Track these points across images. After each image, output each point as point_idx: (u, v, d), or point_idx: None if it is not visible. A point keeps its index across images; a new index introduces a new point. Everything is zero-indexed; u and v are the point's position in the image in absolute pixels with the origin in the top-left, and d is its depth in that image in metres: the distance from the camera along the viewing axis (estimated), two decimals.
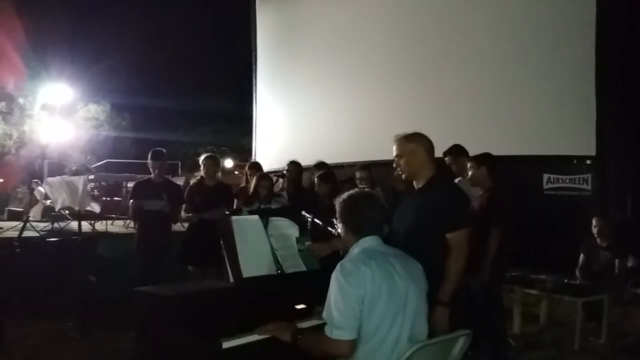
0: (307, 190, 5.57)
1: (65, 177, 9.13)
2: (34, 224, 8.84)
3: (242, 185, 5.77)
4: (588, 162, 6.51)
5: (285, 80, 10.33)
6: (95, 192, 11.28)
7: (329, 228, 3.58)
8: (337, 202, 2.40)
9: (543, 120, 6.78)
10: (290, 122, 10.02)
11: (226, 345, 2.25)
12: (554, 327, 5.27)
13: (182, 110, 23.11)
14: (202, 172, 5.33)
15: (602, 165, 6.50)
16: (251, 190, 5.12)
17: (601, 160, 6.45)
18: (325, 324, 2.14)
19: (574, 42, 6.59)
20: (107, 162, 17.31)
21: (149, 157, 5.29)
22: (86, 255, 5.62)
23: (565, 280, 4.92)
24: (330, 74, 9.18)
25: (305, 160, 5.93)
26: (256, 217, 2.95)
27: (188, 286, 2.99)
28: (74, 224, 8.71)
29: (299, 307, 2.63)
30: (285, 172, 5.71)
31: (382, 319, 2.09)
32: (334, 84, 9.09)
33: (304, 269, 2.88)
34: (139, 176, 8.09)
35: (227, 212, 5.03)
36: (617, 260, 5.25)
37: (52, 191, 9.04)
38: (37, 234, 7.80)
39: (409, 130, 2.86)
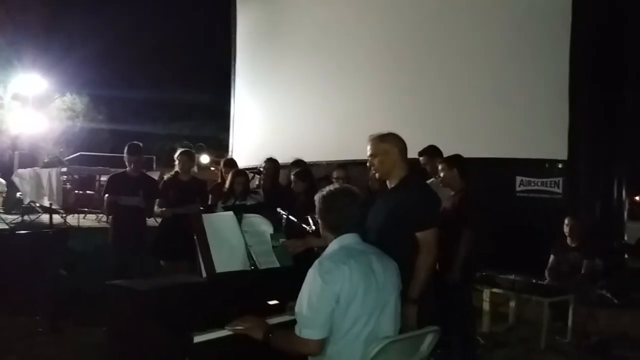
0: (283, 187, 5.57)
1: (37, 169, 8.98)
2: (3, 216, 8.65)
3: (217, 182, 5.75)
4: (559, 165, 6.69)
5: (264, 78, 10.31)
6: (68, 185, 11.09)
7: (304, 225, 3.60)
8: (317, 198, 2.38)
9: (517, 124, 6.92)
10: (268, 119, 10.00)
11: (198, 339, 2.25)
12: (522, 326, 5.38)
13: (159, 104, 22.91)
14: (176, 167, 5.29)
15: (573, 169, 6.68)
16: (227, 186, 5.10)
17: (572, 164, 6.62)
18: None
19: (549, 48, 6.74)
20: (80, 154, 17.02)
21: (125, 151, 5.22)
22: (57, 249, 5.53)
23: (534, 281, 5.02)
24: (309, 72, 9.20)
25: (283, 158, 5.93)
26: (230, 213, 2.95)
27: (161, 280, 2.98)
28: (45, 217, 8.56)
29: (271, 302, 2.65)
30: (261, 169, 5.70)
31: (357, 318, 2.10)
32: (313, 82, 9.11)
33: (278, 265, 2.89)
34: (112, 170, 7.97)
35: (201, 208, 5.01)
36: (584, 261, 5.39)
37: (22, 183, 8.89)
38: (7, 227, 7.64)
39: (385, 130, 2.90)
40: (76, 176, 11.75)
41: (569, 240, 5.56)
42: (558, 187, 6.70)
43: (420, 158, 4.70)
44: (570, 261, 5.50)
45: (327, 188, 2.40)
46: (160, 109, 23.64)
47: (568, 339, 5.01)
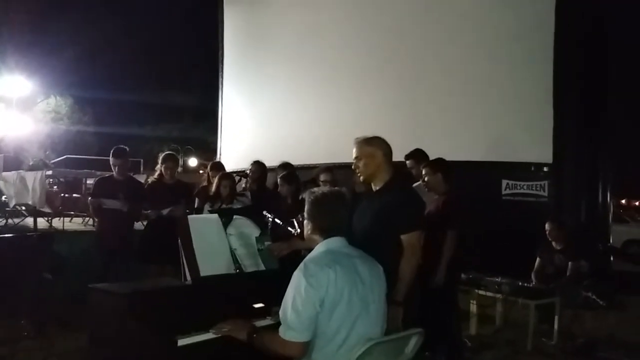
0: (270, 190, 5.56)
1: (21, 172, 8.87)
2: None
3: (203, 185, 5.73)
4: (545, 169, 6.75)
5: (252, 80, 10.29)
6: (54, 188, 10.97)
7: (289, 228, 3.59)
8: (307, 200, 2.38)
9: (503, 127, 6.98)
10: (256, 122, 9.99)
11: (182, 342, 2.24)
12: (508, 328, 5.41)
13: (146, 106, 22.74)
14: (160, 169, 5.26)
15: (559, 172, 6.74)
16: (213, 190, 5.09)
17: (557, 167, 6.69)
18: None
19: (533, 51, 6.81)
20: (66, 157, 16.84)
21: (111, 154, 5.19)
22: (42, 253, 5.46)
23: (520, 283, 5.05)
24: (296, 75, 9.20)
25: (271, 161, 5.93)
26: (215, 216, 2.94)
27: (144, 283, 2.96)
28: (29, 220, 8.45)
29: (256, 306, 2.64)
30: (248, 172, 5.69)
31: (342, 323, 2.10)
32: (300, 85, 9.12)
33: (263, 268, 2.89)
34: (99, 173, 7.90)
35: (187, 211, 4.99)
36: (570, 264, 5.43)
37: (7, 186, 8.77)
38: None
39: (371, 133, 2.92)
40: (62, 179, 11.62)
41: (553, 243, 5.60)
42: (544, 190, 6.77)
43: (407, 162, 4.71)
44: (556, 264, 5.54)
45: (319, 190, 2.41)
46: (147, 111, 23.48)
47: (554, 341, 5.05)
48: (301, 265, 2.16)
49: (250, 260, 2.87)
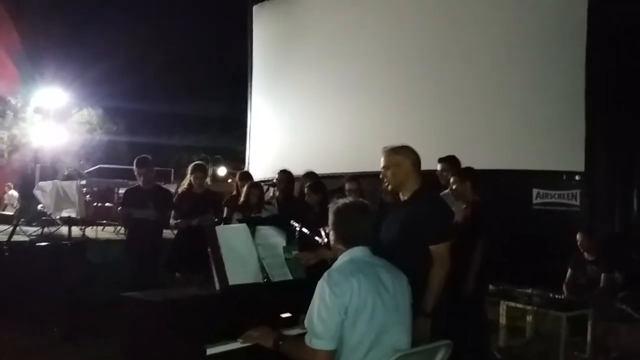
0: (297, 199, 5.59)
1: (57, 182, 9.13)
2: (24, 228, 8.80)
3: (232, 194, 5.80)
4: (577, 177, 6.59)
5: (280, 89, 10.37)
6: (87, 197, 11.25)
7: (317, 237, 3.61)
8: (331, 210, 2.42)
9: (533, 135, 6.86)
10: (284, 131, 10.05)
11: (211, 351, 2.27)
12: (539, 340, 5.29)
13: (176, 117, 23.11)
14: (190, 179, 5.34)
15: (591, 181, 6.58)
16: (242, 199, 5.15)
17: (590, 175, 6.53)
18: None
19: (565, 57, 6.69)
20: (99, 167, 17.27)
21: (134, 164, 5.31)
22: (75, 261, 5.60)
23: (551, 295, 4.95)
24: (325, 83, 9.24)
25: (299, 170, 5.96)
26: (244, 225, 2.98)
27: (174, 292, 3.01)
28: (63, 229, 8.68)
29: (284, 315, 2.66)
30: (275, 181, 5.74)
31: (365, 332, 2.11)
32: (328, 93, 9.15)
33: (291, 277, 2.91)
34: (130, 182, 8.08)
35: (216, 220, 5.05)
36: (603, 275, 5.30)
37: (44, 196, 9.03)
38: (27, 239, 7.77)
39: (400, 142, 2.92)
40: (95, 188, 11.92)
41: (585, 254, 5.48)
42: (576, 200, 6.61)
43: (439, 164, 4.65)
44: (588, 275, 5.42)
45: (341, 201, 2.44)
46: (177, 121, 23.86)
47: (587, 354, 4.92)
48: (325, 274, 2.19)
49: (278, 269, 2.90)
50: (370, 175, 5.94)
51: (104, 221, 10.73)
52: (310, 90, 9.50)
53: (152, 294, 2.70)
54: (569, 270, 5.57)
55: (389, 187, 2.87)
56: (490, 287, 4.71)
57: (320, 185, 5.06)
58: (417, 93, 7.97)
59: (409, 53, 8.13)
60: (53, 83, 17.29)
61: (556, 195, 6.73)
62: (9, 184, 15.27)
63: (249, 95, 11.21)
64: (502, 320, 5.25)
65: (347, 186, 4.93)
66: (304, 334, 2.21)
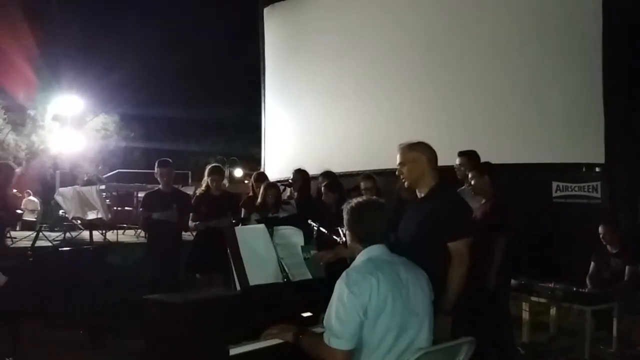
0: (314, 198, 5.60)
1: (77, 187, 9.27)
2: (47, 233, 8.95)
3: (249, 195, 5.83)
4: (597, 169, 6.50)
5: (293, 90, 10.39)
6: (107, 202, 11.40)
7: (335, 237, 3.61)
8: (345, 210, 2.42)
9: (552, 128, 6.78)
10: (298, 130, 10.07)
11: (233, 352, 2.29)
12: (563, 335, 5.24)
13: (192, 121, 23.31)
14: (207, 181, 5.40)
15: (612, 173, 6.48)
16: (259, 199, 5.17)
17: (610, 167, 6.43)
18: None
19: (582, 49, 6.60)
20: (118, 172, 17.48)
21: (156, 165, 5.38)
22: (97, 265, 5.68)
23: (574, 289, 4.88)
24: (337, 82, 9.23)
25: (314, 169, 5.97)
26: (262, 225, 2.99)
27: (196, 294, 3.03)
28: (85, 234, 8.80)
29: (305, 314, 2.66)
30: (291, 180, 5.75)
31: (387, 331, 2.09)
32: (341, 92, 9.14)
33: (310, 277, 2.91)
34: (149, 186, 8.18)
35: (234, 221, 5.08)
36: (627, 267, 5.22)
37: (65, 201, 9.17)
38: (50, 244, 7.90)
39: (416, 139, 2.90)
40: (114, 193, 12.06)
41: (608, 247, 5.39)
42: (596, 192, 6.51)
43: (458, 158, 4.61)
44: (612, 268, 5.34)
45: (354, 200, 2.43)
46: (193, 125, 24.09)
47: (613, 348, 4.85)
48: (343, 274, 2.17)
49: (298, 269, 2.90)
50: (386, 172, 5.94)
51: (124, 225, 10.86)
52: (323, 89, 9.50)
53: (174, 296, 2.72)
54: (592, 264, 5.49)
55: (406, 183, 2.85)
56: (512, 281, 4.66)
57: (337, 184, 5.06)
58: (432, 89, 7.92)
59: (422, 49, 8.09)
60: (70, 90, 17.53)
61: (576, 188, 6.64)
62: (27, 190, 15.52)
63: (262, 97, 11.26)
64: (525, 315, 5.20)
65: (362, 185, 4.92)
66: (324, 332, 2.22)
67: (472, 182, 4.10)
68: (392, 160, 2.95)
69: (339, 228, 3.57)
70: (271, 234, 2.92)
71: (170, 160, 5.47)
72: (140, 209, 5.44)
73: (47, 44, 19.30)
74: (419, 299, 2.20)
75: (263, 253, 2.83)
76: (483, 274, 3.73)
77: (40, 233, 8.07)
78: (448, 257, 2.64)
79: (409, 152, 2.82)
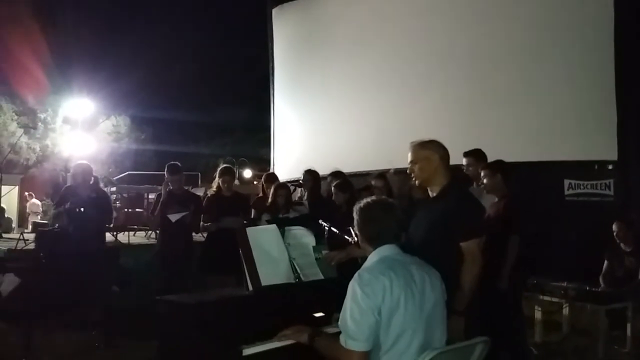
0: (324, 198, 5.60)
1: None
2: None
3: (259, 196, 5.84)
4: (610, 167, 6.44)
5: (302, 90, 10.40)
6: (118, 204, 11.46)
7: (346, 236, 3.60)
8: (355, 210, 2.40)
9: (563, 125, 6.73)
10: (308, 131, 10.07)
11: (246, 352, 2.29)
12: (577, 335, 5.19)
13: (201, 122, 23.42)
14: (218, 182, 5.41)
15: (624, 170, 6.42)
16: (269, 200, 5.18)
17: (623, 164, 6.37)
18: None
19: (593, 46, 6.55)
20: (128, 173, 17.57)
21: (166, 171, 5.40)
22: (110, 266, 5.71)
23: (587, 288, 4.83)
24: (347, 82, 9.22)
25: (324, 169, 5.96)
26: (273, 226, 2.99)
27: (208, 294, 3.04)
28: None
29: (317, 315, 2.66)
30: (301, 181, 5.75)
31: (401, 331, 2.09)
32: (351, 91, 9.13)
33: (322, 277, 2.91)
34: (160, 187, 8.22)
35: (245, 222, 5.09)
36: None
37: None
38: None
39: (427, 137, 2.88)
40: (125, 195, 12.12)
41: (622, 245, 5.34)
42: (609, 190, 6.45)
43: (464, 159, 4.58)
44: (626, 266, 5.27)
45: (364, 200, 2.41)
46: (202, 127, 24.20)
47: (627, 348, 4.80)
48: (355, 275, 2.16)
49: (309, 269, 2.90)
50: (398, 171, 5.92)
51: (135, 226, 10.90)
52: (332, 89, 9.50)
53: (186, 297, 2.73)
54: (606, 262, 5.43)
55: (417, 182, 2.83)
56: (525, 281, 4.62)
57: (347, 184, 5.05)
58: (443, 87, 7.89)
59: (433, 47, 8.06)
60: (81, 93, 17.68)
61: (589, 186, 6.58)
62: (30, 192, 15.67)
63: (271, 98, 11.27)
64: (538, 315, 5.16)
65: (374, 184, 4.90)
66: (338, 333, 2.21)
67: (485, 181, 4.07)
68: (403, 159, 2.92)
69: (350, 228, 3.57)
70: (282, 234, 2.93)
71: (180, 165, 5.49)
72: (154, 211, 5.46)
73: (58, 47, 19.47)
74: (432, 298, 2.19)
75: (275, 253, 2.83)
76: (496, 273, 3.70)
77: None
78: (460, 257, 2.62)
79: (420, 150, 2.80)
